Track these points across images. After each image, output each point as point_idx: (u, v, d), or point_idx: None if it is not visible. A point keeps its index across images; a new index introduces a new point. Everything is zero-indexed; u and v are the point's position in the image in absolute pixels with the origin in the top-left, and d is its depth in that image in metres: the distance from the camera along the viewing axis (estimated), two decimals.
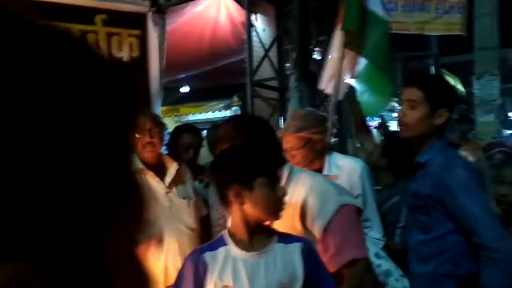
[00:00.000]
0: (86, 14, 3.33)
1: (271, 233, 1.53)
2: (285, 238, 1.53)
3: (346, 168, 2.48)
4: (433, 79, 2.01)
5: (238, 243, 1.50)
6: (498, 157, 3.05)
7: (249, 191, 1.44)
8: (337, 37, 3.26)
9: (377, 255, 2.29)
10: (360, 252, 1.70)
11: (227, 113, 8.58)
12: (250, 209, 1.46)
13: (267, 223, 1.55)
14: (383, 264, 2.29)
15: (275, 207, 1.48)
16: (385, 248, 2.45)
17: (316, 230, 1.67)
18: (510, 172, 2.17)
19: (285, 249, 1.49)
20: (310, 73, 5.06)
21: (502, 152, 3.19)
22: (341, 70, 3.16)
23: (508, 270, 1.70)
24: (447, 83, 2.06)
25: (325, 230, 1.67)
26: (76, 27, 3.19)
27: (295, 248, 1.49)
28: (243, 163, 1.47)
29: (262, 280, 1.44)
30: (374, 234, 2.44)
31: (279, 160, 1.71)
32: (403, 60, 13.44)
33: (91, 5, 3.36)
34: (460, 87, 15.41)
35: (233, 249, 1.49)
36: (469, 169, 1.82)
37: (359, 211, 1.80)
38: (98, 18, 3.38)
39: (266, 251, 1.48)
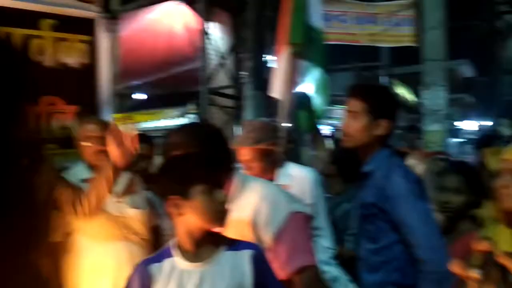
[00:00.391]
0: (30, 19, 3.23)
1: (219, 241, 1.51)
2: (235, 245, 1.50)
3: (297, 177, 2.51)
4: (374, 90, 2.02)
5: (184, 254, 1.47)
6: (439, 164, 3.16)
7: (187, 200, 1.41)
8: (284, 48, 3.35)
9: (326, 262, 2.33)
10: (309, 259, 1.71)
11: (182, 121, 8.52)
12: (191, 218, 1.43)
13: (216, 230, 1.53)
14: (331, 271, 2.33)
15: (217, 214, 1.45)
16: (336, 255, 2.49)
17: (267, 237, 1.68)
18: (451, 179, 2.22)
19: (234, 257, 1.47)
20: (265, 81, 5.10)
21: (444, 160, 3.31)
22: (290, 79, 3.23)
23: (439, 282, 1.71)
24: (389, 94, 2.08)
25: (276, 237, 1.68)
26: (19, 32, 3.10)
27: (245, 256, 1.48)
28: (177, 172, 1.44)
29: None
30: (324, 242, 2.47)
31: (225, 166, 1.69)
32: (355, 70, 13.77)
33: (36, 10, 3.27)
34: (410, 97, 15.94)
35: (179, 261, 1.46)
36: (408, 178, 1.84)
37: (309, 218, 1.82)
38: (45, 23, 3.29)
39: (213, 261, 1.46)
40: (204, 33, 5.77)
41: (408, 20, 5.50)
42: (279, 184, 2.33)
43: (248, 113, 4.97)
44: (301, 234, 1.74)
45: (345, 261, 2.43)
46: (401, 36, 5.57)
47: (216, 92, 6.30)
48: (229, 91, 6.71)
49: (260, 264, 1.49)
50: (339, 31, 5.44)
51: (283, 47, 3.32)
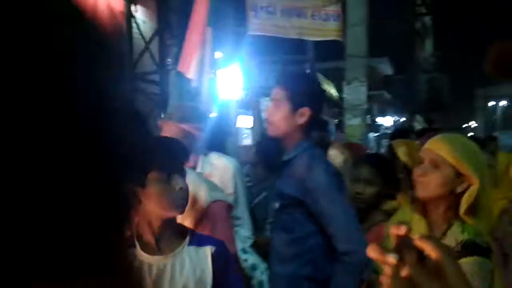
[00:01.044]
0: None
1: (183, 234, 1.47)
2: (199, 240, 1.47)
3: (219, 167, 2.49)
4: (296, 79, 2.01)
5: (145, 245, 1.42)
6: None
7: (142, 188, 1.37)
8: (201, 32, 3.35)
9: (244, 251, 2.34)
10: (229, 247, 1.71)
11: None
12: (148, 206, 1.39)
13: (179, 222, 1.48)
14: (249, 259, 2.34)
15: (173, 201, 1.40)
16: (255, 244, 2.51)
17: (188, 225, 1.66)
18: (365, 170, 2.30)
19: (196, 252, 1.44)
20: None
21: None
22: (207, 64, 3.25)
23: (356, 272, 1.76)
24: (311, 83, 2.07)
25: (196, 224, 1.66)
26: None
27: (206, 252, 1.45)
28: (131, 160, 1.38)
29: (166, 286, 1.38)
30: (244, 232, 2.49)
31: (181, 154, 1.63)
32: (283, 64, 13.99)
33: None
34: (334, 91, 16.47)
35: (140, 252, 1.40)
36: (329, 171, 1.86)
37: (230, 207, 1.81)
38: None
39: (174, 255, 1.41)
40: (129, 15, 5.58)
41: (335, 16, 5.64)
42: (201, 173, 2.31)
43: (173, 100, 4.88)
44: (222, 222, 1.73)
45: (263, 249, 2.46)
46: (328, 30, 5.69)
47: (140, 77, 6.12)
48: (155, 77, 6.55)
49: (222, 261, 1.47)
50: (266, 23, 5.47)
51: (200, 30, 3.32)
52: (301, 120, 1.90)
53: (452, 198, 1.50)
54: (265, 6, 5.43)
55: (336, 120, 11.83)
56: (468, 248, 1.42)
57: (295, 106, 1.89)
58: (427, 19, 26.73)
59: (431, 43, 29.58)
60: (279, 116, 1.91)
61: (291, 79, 2.00)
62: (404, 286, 0.52)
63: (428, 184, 1.50)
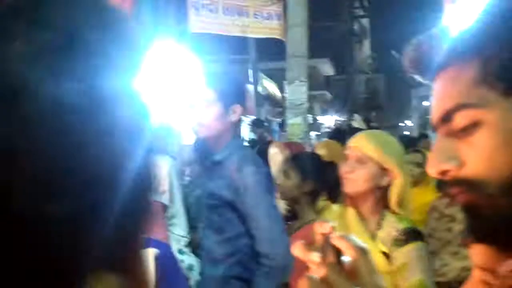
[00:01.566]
0: None
1: None
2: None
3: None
4: (223, 78, 2.04)
5: None
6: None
7: None
8: None
9: (180, 251, 2.32)
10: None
11: None
12: None
13: None
14: (185, 259, 2.32)
15: None
16: (189, 243, 2.49)
17: None
18: (288, 166, 2.33)
19: None
20: None
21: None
22: None
23: (276, 276, 1.78)
24: (238, 80, 2.13)
25: None
26: None
27: (150, 254, 1.40)
28: None
29: None
30: (179, 231, 2.47)
31: None
32: (225, 63, 13.99)
33: None
34: (276, 91, 16.65)
35: None
36: (258, 172, 1.87)
37: (164, 207, 1.78)
38: None
39: None
40: None
41: (277, 15, 5.70)
42: None
43: None
44: (157, 224, 1.70)
45: (197, 248, 2.44)
46: (270, 29, 5.74)
47: None
48: None
49: (166, 264, 1.43)
50: (209, 21, 5.45)
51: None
52: (234, 117, 1.93)
53: (378, 192, 1.59)
54: (206, 4, 5.41)
55: (279, 119, 11.97)
56: (410, 234, 1.53)
57: (226, 105, 1.90)
58: (365, 21, 27.60)
59: (368, 44, 30.54)
60: (211, 116, 1.90)
61: (218, 79, 2.01)
62: (320, 286, 0.53)
63: (356, 180, 1.58)
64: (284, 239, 1.82)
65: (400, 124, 33.40)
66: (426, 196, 3.18)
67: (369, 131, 1.73)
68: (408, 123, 30.71)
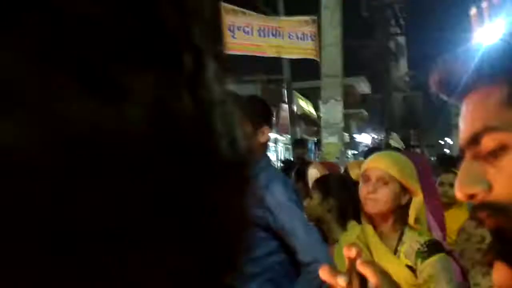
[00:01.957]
0: None
1: None
2: None
3: None
4: (249, 100, 2.08)
5: None
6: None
7: None
8: None
9: None
10: None
11: None
12: None
13: None
14: None
15: None
16: None
17: None
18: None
19: None
20: None
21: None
22: None
23: (317, 281, 1.79)
24: (262, 101, 2.17)
25: None
26: None
27: None
28: None
29: None
30: None
31: None
32: (262, 83, 14.13)
33: None
34: (312, 110, 16.64)
35: None
36: (287, 187, 1.90)
37: None
38: None
39: None
40: None
41: (311, 36, 5.73)
42: None
43: None
44: None
45: None
46: (305, 49, 5.77)
47: None
48: None
49: None
50: (244, 42, 5.53)
51: None
52: (263, 138, 1.96)
53: (399, 210, 1.64)
54: (242, 26, 5.49)
55: (315, 139, 11.93)
56: (432, 246, 1.59)
57: (256, 126, 1.93)
58: (401, 39, 27.33)
59: (405, 62, 30.19)
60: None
61: (246, 101, 2.05)
62: None
63: (379, 200, 1.62)
64: (323, 247, 1.85)
65: (440, 141, 32.65)
66: (460, 218, 3.11)
67: (383, 152, 1.90)
68: (449, 140, 29.99)
